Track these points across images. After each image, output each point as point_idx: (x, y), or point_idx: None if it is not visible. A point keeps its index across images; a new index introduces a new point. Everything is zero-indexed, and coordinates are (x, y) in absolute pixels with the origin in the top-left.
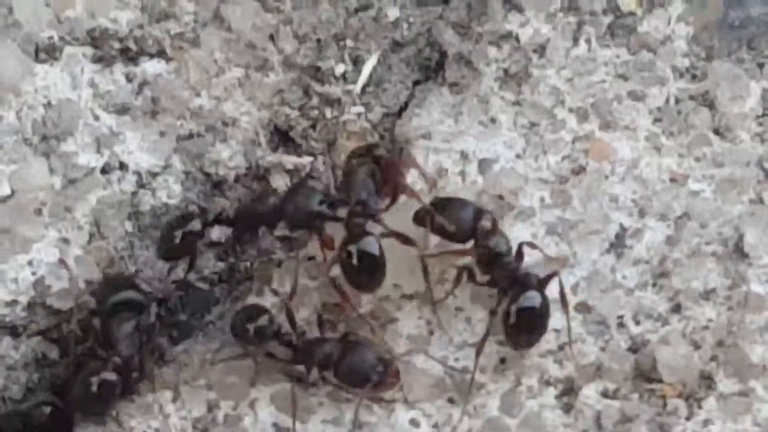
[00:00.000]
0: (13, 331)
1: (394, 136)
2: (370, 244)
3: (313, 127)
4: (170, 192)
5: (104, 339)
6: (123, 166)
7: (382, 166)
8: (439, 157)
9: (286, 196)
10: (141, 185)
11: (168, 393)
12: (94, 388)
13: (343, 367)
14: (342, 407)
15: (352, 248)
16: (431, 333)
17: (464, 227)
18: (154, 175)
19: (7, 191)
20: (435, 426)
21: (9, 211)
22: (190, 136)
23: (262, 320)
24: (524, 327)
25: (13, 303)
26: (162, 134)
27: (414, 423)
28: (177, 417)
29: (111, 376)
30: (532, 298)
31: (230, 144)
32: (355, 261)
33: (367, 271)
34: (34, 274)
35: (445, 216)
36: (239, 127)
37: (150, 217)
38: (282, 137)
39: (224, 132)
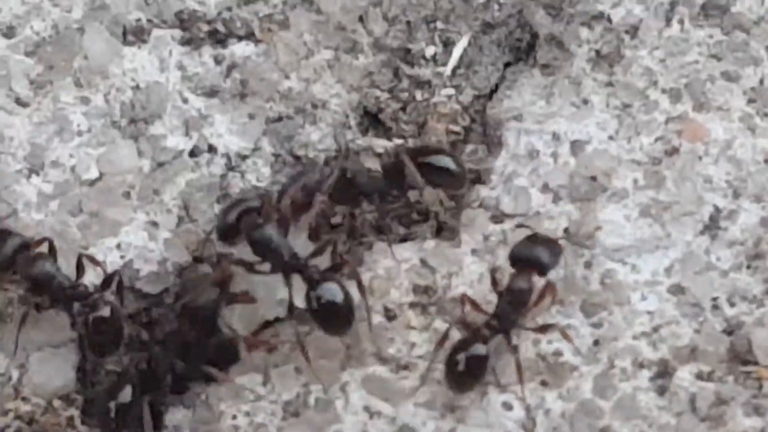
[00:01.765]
0: None
1: (485, 118)
2: None
3: (403, 109)
4: (259, 175)
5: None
6: (212, 149)
7: None
8: (531, 138)
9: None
10: (230, 168)
11: (258, 376)
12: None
13: None
14: (435, 391)
15: None
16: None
17: None
18: (243, 157)
19: (95, 174)
20: (527, 409)
21: (97, 194)
22: (279, 118)
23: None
24: None
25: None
26: (251, 117)
27: (506, 406)
28: (267, 401)
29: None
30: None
31: (320, 126)
32: None
33: None
34: (122, 257)
35: None
36: (329, 110)
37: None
38: (372, 120)
39: (313, 114)
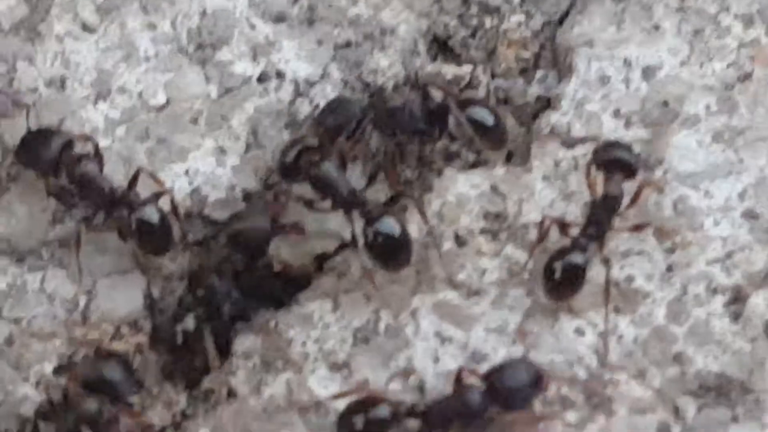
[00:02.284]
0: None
1: (555, 44)
2: None
3: (473, 35)
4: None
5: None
6: (280, 75)
7: None
8: (602, 64)
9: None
10: (298, 94)
11: (327, 303)
12: None
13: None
14: (506, 316)
15: None
16: None
17: None
18: (312, 83)
19: (162, 100)
20: (600, 335)
21: (165, 120)
22: (348, 44)
23: None
24: None
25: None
26: (319, 43)
27: (579, 332)
28: (337, 327)
29: None
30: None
31: (388, 53)
32: None
33: None
34: (190, 183)
35: None
36: (397, 36)
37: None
38: (441, 46)
39: (382, 41)
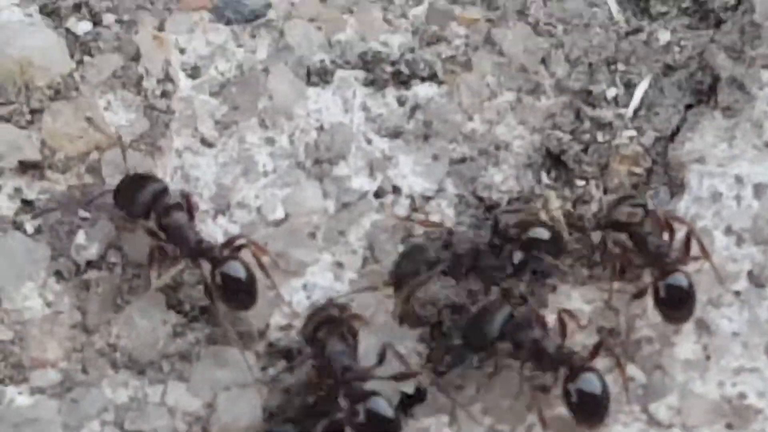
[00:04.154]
0: (288, 355)
1: (667, 160)
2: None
3: (585, 150)
4: (443, 216)
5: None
6: (396, 190)
7: None
8: (714, 181)
9: None
10: (414, 209)
11: (444, 417)
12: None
13: None
14: (620, 431)
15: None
16: (708, 358)
17: None
18: (428, 198)
19: (281, 215)
20: None
21: (283, 234)
22: (463, 159)
23: None
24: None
25: (288, 327)
26: (435, 158)
27: None
28: None
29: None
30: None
31: (502, 168)
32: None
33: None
34: (308, 297)
35: None
36: (511, 151)
37: (424, 241)
38: (554, 161)
39: (496, 156)
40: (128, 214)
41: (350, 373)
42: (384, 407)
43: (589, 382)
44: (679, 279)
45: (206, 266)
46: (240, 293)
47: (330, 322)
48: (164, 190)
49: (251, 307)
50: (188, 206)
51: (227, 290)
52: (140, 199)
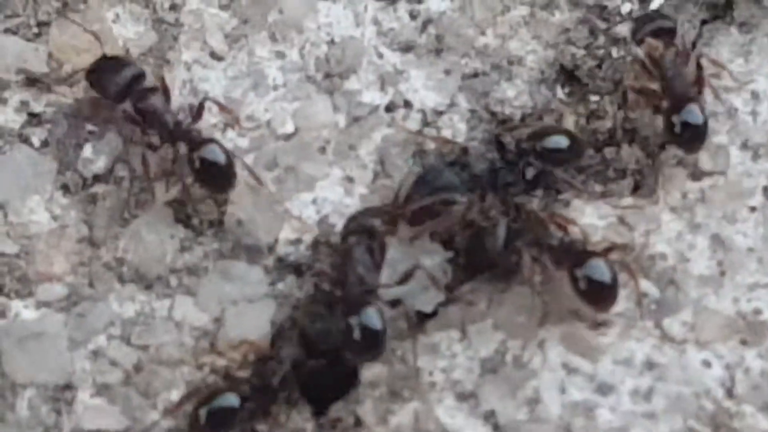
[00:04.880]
0: (297, 270)
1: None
2: None
3: (599, 66)
4: (455, 131)
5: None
6: (408, 104)
7: None
8: (729, 96)
9: None
10: (426, 123)
11: (454, 332)
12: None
13: None
14: (633, 347)
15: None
16: (722, 274)
17: None
18: (439, 113)
19: (291, 129)
20: (727, 367)
21: (293, 149)
22: (475, 74)
23: None
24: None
25: (297, 241)
26: (447, 72)
27: (706, 364)
28: (464, 357)
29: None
30: None
31: (515, 83)
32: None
33: None
34: (318, 212)
35: None
36: (525, 66)
37: (435, 156)
38: (568, 76)
39: (509, 71)
40: (104, 96)
41: (358, 287)
42: (374, 320)
43: (597, 266)
44: None
45: (184, 149)
46: (218, 177)
47: (361, 233)
48: (141, 75)
49: (228, 191)
50: (164, 89)
51: (205, 173)
52: (117, 82)
